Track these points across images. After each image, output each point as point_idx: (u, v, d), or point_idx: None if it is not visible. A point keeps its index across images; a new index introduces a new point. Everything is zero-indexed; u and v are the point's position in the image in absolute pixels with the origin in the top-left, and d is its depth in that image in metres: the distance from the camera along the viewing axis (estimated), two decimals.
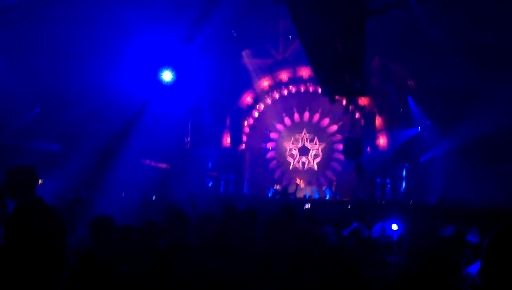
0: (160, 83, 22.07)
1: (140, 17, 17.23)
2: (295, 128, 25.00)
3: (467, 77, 19.52)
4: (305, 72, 23.15)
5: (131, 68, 19.96)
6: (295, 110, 24.77)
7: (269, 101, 24.39)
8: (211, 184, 23.45)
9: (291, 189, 20.93)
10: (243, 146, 24.35)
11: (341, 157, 23.13)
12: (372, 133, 22.46)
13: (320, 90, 19.85)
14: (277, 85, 24.07)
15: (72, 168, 20.85)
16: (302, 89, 23.96)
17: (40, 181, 4.54)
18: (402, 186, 22.13)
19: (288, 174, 24.73)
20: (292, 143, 25.02)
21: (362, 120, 22.83)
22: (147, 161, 21.80)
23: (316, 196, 22.26)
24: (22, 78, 16.59)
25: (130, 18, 16.80)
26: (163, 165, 22.32)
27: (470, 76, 19.37)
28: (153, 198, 16.17)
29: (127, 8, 16.13)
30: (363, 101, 22.02)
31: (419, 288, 3.10)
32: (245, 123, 24.46)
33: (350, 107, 22.00)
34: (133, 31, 17.94)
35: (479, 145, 20.28)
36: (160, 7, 17.34)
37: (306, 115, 24.76)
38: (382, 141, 22.84)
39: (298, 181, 23.46)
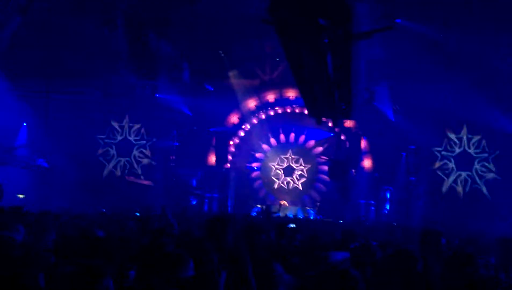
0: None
1: None
2: (281, 148, 25.05)
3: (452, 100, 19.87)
4: (291, 93, 23.27)
5: None
6: (281, 130, 24.85)
7: (255, 121, 24.45)
8: (195, 202, 23.34)
9: (274, 209, 20.88)
10: (228, 165, 24.32)
11: (325, 178, 23.20)
12: (357, 155, 22.59)
13: (306, 112, 19.95)
14: (264, 106, 24.17)
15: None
16: (289, 110, 24.08)
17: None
18: (386, 208, 22.24)
19: (272, 194, 24.71)
20: (277, 164, 25.05)
21: (347, 142, 22.96)
22: (131, 178, 21.73)
23: (300, 215, 22.24)
24: None
25: None
26: (146, 182, 22.25)
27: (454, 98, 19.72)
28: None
29: None
30: (348, 123, 22.15)
31: None
32: (231, 142, 24.47)
33: (336, 129, 22.16)
34: None
35: None
36: None
37: (292, 136, 24.85)
38: (367, 163, 22.95)
39: (282, 202, 23.47)
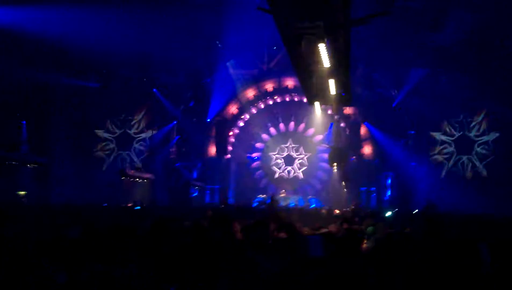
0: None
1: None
2: (281, 137, 25.03)
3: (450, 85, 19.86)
4: (290, 82, 23.21)
5: None
6: (280, 120, 24.81)
7: (254, 111, 24.40)
8: (196, 194, 23.37)
9: (277, 199, 20.88)
10: (229, 155, 24.30)
11: (326, 166, 23.20)
12: (357, 142, 22.57)
13: (305, 100, 19.93)
14: (263, 95, 24.10)
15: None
16: (287, 99, 24.00)
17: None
18: (387, 194, 22.27)
19: (273, 184, 24.71)
20: (278, 153, 25.04)
21: (347, 129, 22.92)
22: (131, 172, 21.72)
23: (301, 204, 22.27)
24: None
25: None
26: (147, 175, 22.25)
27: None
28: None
29: None
30: (348, 110, 22.12)
31: None
32: (231, 133, 24.42)
33: (336, 117, 22.12)
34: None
35: None
36: None
37: (292, 124, 24.82)
38: (367, 150, 22.94)
39: (283, 191, 23.53)
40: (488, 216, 11.12)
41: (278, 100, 24.16)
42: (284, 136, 25.00)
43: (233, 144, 24.61)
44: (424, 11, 16.89)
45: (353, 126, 22.81)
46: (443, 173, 21.95)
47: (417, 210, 15.95)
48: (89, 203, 16.27)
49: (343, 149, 21.32)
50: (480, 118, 21.78)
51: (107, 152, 23.96)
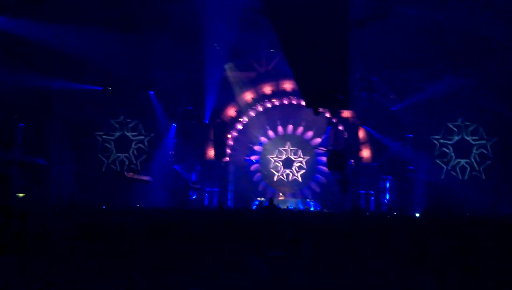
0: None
1: None
2: (279, 140, 25.04)
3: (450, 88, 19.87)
4: (288, 85, 23.21)
5: None
6: (278, 122, 24.82)
7: (252, 114, 24.39)
8: (195, 197, 23.34)
9: (275, 202, 20.86)
10: (227, 158, 24.29)
11: (325, 169, 23.19)
12: (356, 146, 22.55)
13: (303, 103, 19.92)
14: (261, 98, 24.08)
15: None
16: (286, 102, 24.00)
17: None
18: (385, 197, 22.25)
19: (272, 186, 24.71)
20: (276, 156, 25.04)
21: (346, 133, 22.92)
22: (130, 174, 21.68)
23: (301, 207, 22.27)
24: None
25: None
26: (145, 178, 22.20)
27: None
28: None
29: None
30: (346, 113, 22.10)
31: None
32: (229, 135, 24.40)
33: (334, 120, 22.12)
34: None
35: None
36: None
37: (290, 127, 24.83)
38: (365, 153, 22.93)
39: (280, 194, 23.55)
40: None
41: (277, 103, 24.16)
42: (282, 139, 25.02)
43: (231, 147, 24.59)
44: (421, 17, 16.88)
45: (352, 129, 22.80)
46: (442, 176, 21.93)
47: (418, 214, 15.95)
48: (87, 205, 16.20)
49: (342, 152, 21.32)
50: (477, 123, 21.81)
51: (105, 154, 23.95)
